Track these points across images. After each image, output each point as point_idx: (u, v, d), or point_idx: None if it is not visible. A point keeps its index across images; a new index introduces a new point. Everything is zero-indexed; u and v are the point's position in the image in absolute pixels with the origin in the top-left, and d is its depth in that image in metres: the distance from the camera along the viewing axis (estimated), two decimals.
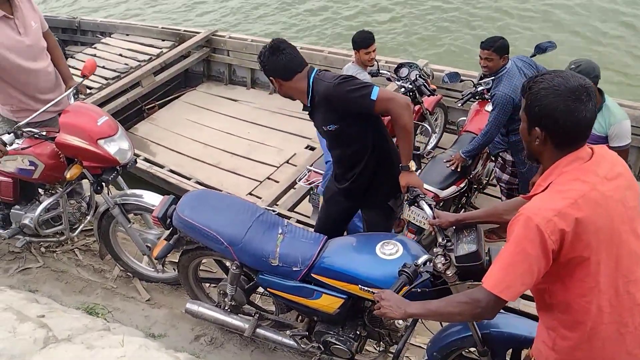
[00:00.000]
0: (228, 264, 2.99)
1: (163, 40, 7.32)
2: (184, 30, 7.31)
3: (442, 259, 2.22)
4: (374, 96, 2.62)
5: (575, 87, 1.65)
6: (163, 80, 6.85)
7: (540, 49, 4.27)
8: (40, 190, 3.62)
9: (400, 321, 2.56)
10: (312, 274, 2.60)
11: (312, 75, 2.76)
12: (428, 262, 2.28)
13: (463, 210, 4.51)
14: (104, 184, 3.36)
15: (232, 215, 2.78)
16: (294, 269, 2.61)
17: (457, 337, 2.50)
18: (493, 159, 4.61)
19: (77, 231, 3.68)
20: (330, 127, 2.80)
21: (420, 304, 1.98)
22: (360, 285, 2.47)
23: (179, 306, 3.49)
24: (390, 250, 2.50)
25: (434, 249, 2.34)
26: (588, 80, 1.69)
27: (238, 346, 3.18)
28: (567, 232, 1.62)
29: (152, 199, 3.38)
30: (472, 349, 2.55)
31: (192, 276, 3.21)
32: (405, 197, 2.75)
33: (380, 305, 2.06)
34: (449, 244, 2.29)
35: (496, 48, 3.83)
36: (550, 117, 1.66)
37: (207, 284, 3.40)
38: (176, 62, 6.98)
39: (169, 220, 2.87)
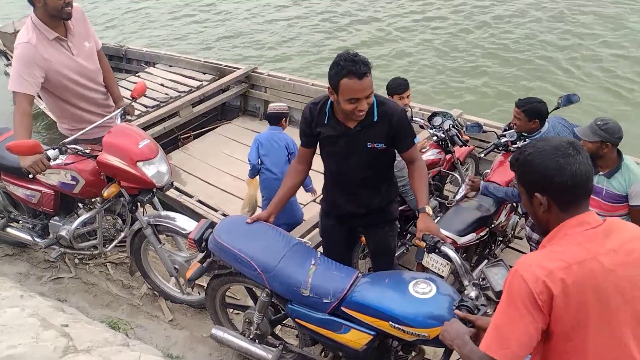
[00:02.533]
0: (258, 292, 3.02)
1: (204, 73, 7.59)
2: (225, 65, 7.57)
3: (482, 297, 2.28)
4: (415, 140, 2.94)
5: (559, 145, 1.65)
6: (200, 112, 7.08)
7: (569, 101, 4.29)
8: (79, 204, 3.75)
9: None
10: (342, 308, 2.60)
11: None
12: (479, 297, 2.32)
13: (486, 260, 4.51)
14: (139, 203, 3.48)
15: (267, 243, 2.82)
16: (325, 300, 2.61)
17: None
18: (520, 213, 4.63)
19: (110, 247, 3.79)
20: (378, 145, 2.86)
21: (470, 346, 1.87)
22: (391, 322, 2.47)
23: (200, 329, 3.54)
24: (423, 289, 2.50)
25: (467, 289, 2.39)
26: (569, 137, 1.72)
27: None
28: (555, 295, 1.54)
29: (185, 222, 3.48)
30: None
31: (219, 301, 3.27)
32: (425, 245, 2.71)
33: (443, 332, 2.05)
34: (484, 282, 2.34)
35: (526, 109, 3.87)
36: (545, 177, 1.64)
37: (231, 310, 3.44)
38: (215, 95, 7.21)
39: (204, 243, 2.93)
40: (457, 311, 2.25)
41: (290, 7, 12.54)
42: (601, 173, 3.34)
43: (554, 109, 4.21)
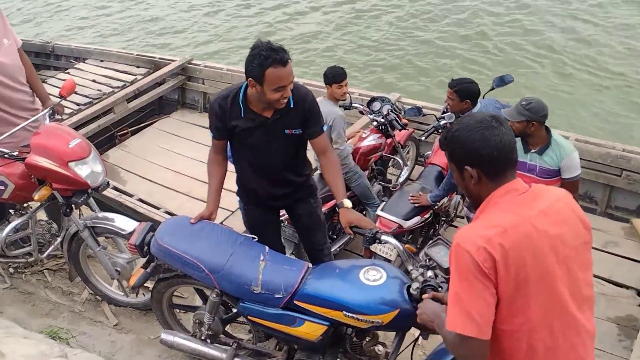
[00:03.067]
0: (207, 292, 2.96)
1: (138, 67, 7.34)
2: (159, 58, 7.35)
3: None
4: (324, 127, 3.00)
5: (483, 119, 1.73)
6: (136, 107, 6.84)
7: (503, 82, 4.40)
8: (10, 210, 3.57)
9: (381, 347, 2.59)
10: (294, 301, 2.58)
11: None
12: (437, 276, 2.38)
13: (430, 241, 4.59)
14: (73, 205, 3.34)
15: (213, 242, 2.75)
16: (277, 296, 2.59)
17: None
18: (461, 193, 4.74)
19: (46, 253, 3.63)
20: (295, 131, 2.88)
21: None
22: (344, 312, 2.47)
23: (147, 332, 3.46)
24: (374, 276, 2.52)
25: (414, 272, 2.42)
26: (491, 112, 1.79)
27: None
28: (497, 260, 1.60)
29: (124, 223, 3.37)
30: None
31: (166, 304, 3.18)
32: (365, 238, 2.73)
33: (421, 314, 2.08)
34: (430, 262, 2.39)
35: (458, 90, 3.94)
36: (472, 150, 1.72)
37: (179, 310, 3.36)
38: (150, 89, 6.99)
39: (146, 247, 2.84)
40: (425, 295, 2.25)
41: None
42: (533, 150, 3.46)
43: (489, 91, 4.31)
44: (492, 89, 4.41)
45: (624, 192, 4.85)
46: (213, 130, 2.95)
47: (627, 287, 4.36)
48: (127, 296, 3.64)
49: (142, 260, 2.98)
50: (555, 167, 3.42)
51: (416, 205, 4.20)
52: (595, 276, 4.18)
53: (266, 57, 2.54)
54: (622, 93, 7.83)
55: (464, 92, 3.93)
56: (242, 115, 2.81)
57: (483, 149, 1.70)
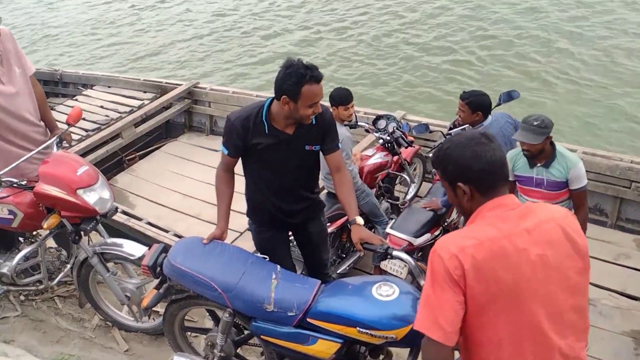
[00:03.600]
0: (219, 313, 2.95)
1: (145, 92, 7.42)
2: (166, 82, 7.43)
3: None
4: (339, 145, 3.06)
5: (473, 136, 1.77)
6: (144, 132, 6.90)
7: (510, 97, 4.39)
8: (20, 238, 3.59)
9: None
10: (307, 319, 2.57)
11: None
12: None
13: None
14: (82, 232, 3.36)
15: (225, 262, 2.78)
16: (289, 314, 2.58)
17: None
18: None
19: (56, 280, 3.64)
20: (315, 148, 2.97)
21: None
22: (358, 328, 2.46)
23: (157, 357, 3.45)
24: (387, 292, 2.51)
25: None
26: (481, 130, 1.83)
27: None
28: (466, 270, 1.62)
29: (132, 248, 3.38)
30: None
31: (177, 326, 3.17)
32: (376, 254, 2.76)
33: None
34: None
35: (469, 102, 3.95)
36: (464, 166, 1.74)
37: (189, 333, 3.35)
38: (157, 113, 7.05)
39: (159, 268, 2.85)
40: None
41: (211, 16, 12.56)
42: (539, 165, 3.44)
43: (496, 106, 4.30)
44: (499, 104, 4.39)
45: (634, 203, 4.80)
46: (230, 147, 2.97)
47: None
48: (137, 321, 3.64)
49: (152, 285, 2.98)
50: (563, 178, 3.40)
51: (428, 209, 4.20)
52: (608, 289, 4.15)
53: (303, 75, 2.65)
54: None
55: (476, 104, 3.93)
56: (267, 132, 2.86)
57: (475, 165, 1.72)
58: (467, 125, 4.08)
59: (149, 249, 3.03)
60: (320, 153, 3.05)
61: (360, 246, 2.76)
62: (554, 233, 1.70)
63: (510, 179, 3.58)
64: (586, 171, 3.48)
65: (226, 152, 2.99)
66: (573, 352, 1.70)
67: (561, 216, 1.76)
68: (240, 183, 3.16)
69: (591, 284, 4.10)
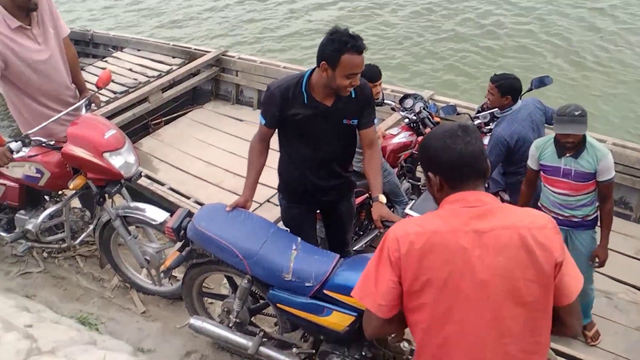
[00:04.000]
0: (237, 280, 3.01)
1: (173, 57, 7.43)
2: (195, 49, 7.42)
3: None
4: (375, 120, 3.03)
5: (451, 127, 1.77)
6: (171, 97, 6.93)
7: (542, 83, 4.30)
8: (46, 197, 3.67)
9: (406, 344, 2.59)
10: (324, 291, 2.61)
11: None
12: None
13: None
14: (107, 195, 3.42)
15: (248, 229, 2.82)
16: (307, 284, 2.62)
17: None
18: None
19: (78, 239, 3.72)
20: (353, 122, 2.95)
21: None
22: None
23: (173, 321, 3.52)
24: None
25: None
26: (467, 124, 1.80)
27: None
28: (402, 254, 1.68)
29: (154, 213, 3.43)
30: None
31: (196, 290, 3.24)
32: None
33: None
34: None
35: (499, 85, 3.88)
36: (435, 157, 1.76)
37: (206, 299, 3.40)
38: (185, 79, 7.06)
39: (182, 232, 2.91)
40: None
41: None
42: (568, 155, 3.37)
43: (526, 91, 4.22)
44: (530, 89, 4.30)
45: None
46: (267, 117, 2.97)
47: None
48: (155, 285, 3.71)
49: (171, 251, 3.04)
50: (592, 170, 3.33)
51: None
52: (626, 284, 4.11)
53: (345, 43, 2.61)
54: None
55: (506, 87, 3.87)
56: (305, 102, 2.86)
57: (443, 157, 1.74)
58: (496, 109, 4.02)
59: (170, 215, 3.08)
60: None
61: (380, 223, 2.78)
62: (508, 240, 1.64)
63: (534, 167, 3.53)
64: (615, 163, 3.42)
65: (263, 122, 2.99)
66: (512, 358, 1.67)
67: (527, 225, 1.67)
68: (272, 157, 3.17)
69: (609, 277, 4.12)
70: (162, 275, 3.58)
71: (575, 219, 3.50)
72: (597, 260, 3.57)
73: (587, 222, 3.52)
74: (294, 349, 2.88)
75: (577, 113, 3.22)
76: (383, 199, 2.87)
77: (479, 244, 1.64)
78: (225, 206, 2.95)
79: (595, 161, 3.32)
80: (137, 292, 3.74)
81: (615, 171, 3.44)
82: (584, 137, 3.36)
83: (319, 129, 2.92)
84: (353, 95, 2.86)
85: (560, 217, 3.51)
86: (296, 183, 3.16)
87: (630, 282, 4.15)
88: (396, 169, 4.88)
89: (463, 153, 1.72)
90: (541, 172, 3.52)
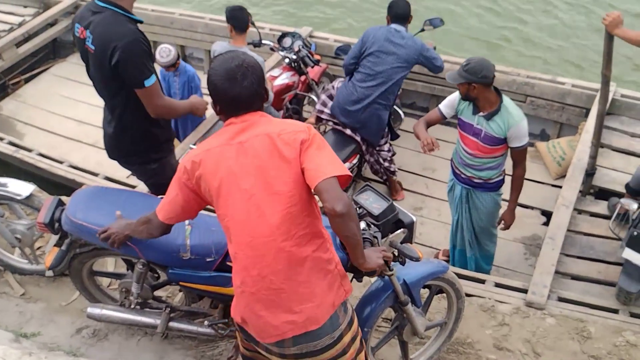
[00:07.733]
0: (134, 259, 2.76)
1: (25, 6, 6.69)
2: None
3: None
4: None
5: (231, 68, 1.96)
6: (28, 52, 6.28)
7: (433, 24, 4.51)
8: None
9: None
10: (227, 262, 2.45)
11: None
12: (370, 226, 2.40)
13: (354, 182, 4.62)
14: None
15: (132, 211, 2.51)
16: (208, 260, 2.50)
17: (378, 301, 2.54)
18: None
19: None
20: None
21: None
22: None
23: (57, 299, 3.31)
24: None
25: None
26: (248, 60, 1.99)
27: (123, 336, 3.06)
28: (187, 169, 2.03)
29: (18, 187, 3.17)
30: None
31: (86, 277, 2.97)
32: None
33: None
34: (360, 210, 2.41)
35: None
36: (214, 93, 2.01)
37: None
38: (42, 31, 6.42)
39: (57, 224, 2.64)
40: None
41: None
42: (481, 114, 3.31)
43: (419, 32, 4.41)
44: (422, 30, 4.56)
45: (529, 117, 4.98)
46: None
47: (532, 208, 4.61)
48: (32, 264, 3.43)
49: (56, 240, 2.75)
50: (501, 135, 3.28)
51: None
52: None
53: None
54: None
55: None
56: None
57: (222, 95, 2.00)
58: None
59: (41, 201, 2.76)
60: None
61: None
62: (260, 144, 1.97)
63: (443, 112, 3.51)
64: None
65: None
66: (287, 253, 1.96)
67: (277, 132, 1.98)
68: None
69: None
70: (47, 273, 3.32)
71: (477, 180, 3.53)
72: (503, 223, 3.70)
73: (489, 185, 3.56)
74: (206, 322, 2.73)
75: (463, 64, 3.22)
76: None
77: (242, 152, 1.97)
78: (101, 189, 2.72)
79: (505, 127, 3.26)
80: (12, 274, 3.43)
81: None
82: (500, 97, 3.30)
83: None
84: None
85: (462, 176, 3.57)
86: None
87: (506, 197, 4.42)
88: (281, 112, 4.81)
89: (237, 97, 1.97)
90: (458, 127, 3.49)
